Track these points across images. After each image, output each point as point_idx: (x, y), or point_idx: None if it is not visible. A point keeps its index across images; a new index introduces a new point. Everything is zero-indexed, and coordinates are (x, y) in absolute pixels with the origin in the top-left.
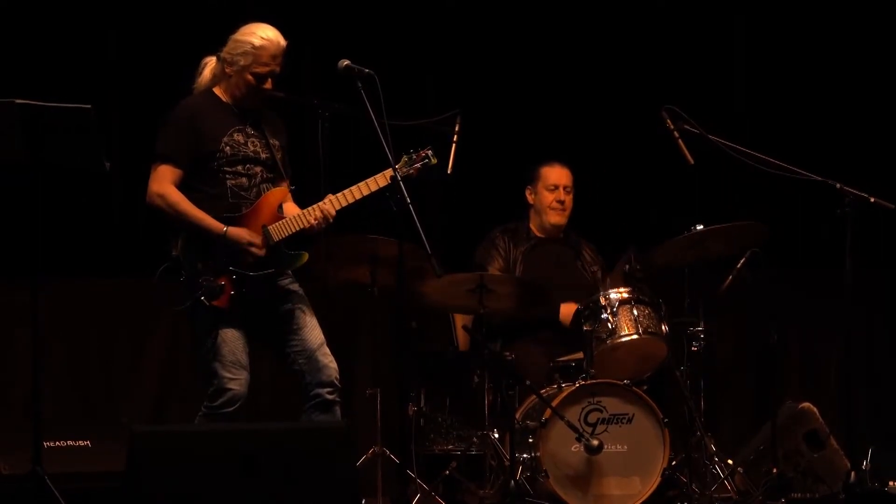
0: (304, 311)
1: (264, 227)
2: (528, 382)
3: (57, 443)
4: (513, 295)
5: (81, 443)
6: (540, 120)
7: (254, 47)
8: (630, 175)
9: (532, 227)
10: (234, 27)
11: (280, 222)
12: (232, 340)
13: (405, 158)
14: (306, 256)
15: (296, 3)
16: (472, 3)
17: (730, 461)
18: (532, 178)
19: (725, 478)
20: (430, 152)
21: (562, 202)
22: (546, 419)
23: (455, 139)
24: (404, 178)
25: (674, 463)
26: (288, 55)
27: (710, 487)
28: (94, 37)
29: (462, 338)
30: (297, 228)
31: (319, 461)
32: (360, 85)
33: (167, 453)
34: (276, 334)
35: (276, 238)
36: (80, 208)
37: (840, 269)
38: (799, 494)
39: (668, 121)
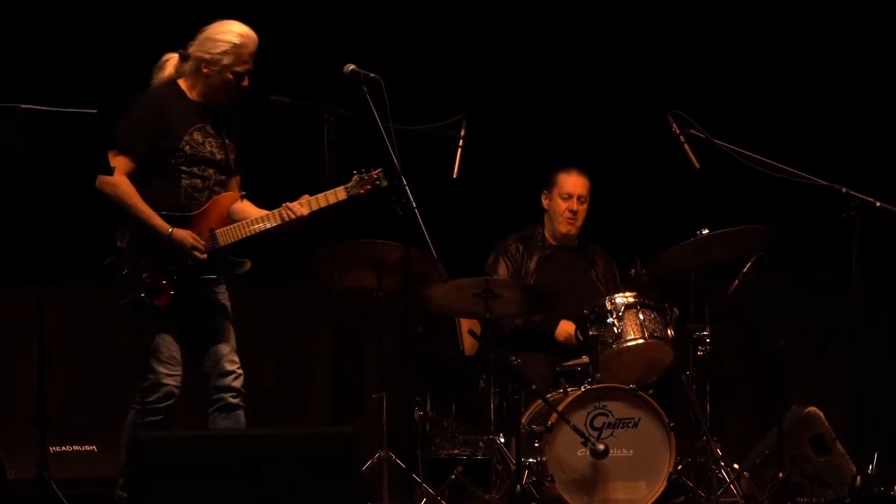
0: (223, 317)
1: (212, 230)
2: (533, 387)
3: (63, 448)
4: (519, 300)
5: (87, 448)
6: (546, 125)
7: (234, 46)
8: (636, 179)
9: (547, 233)
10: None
11: (228, 227)
12: (169, 338)
13: (356, 178)
14: (249, 264)
15: (301, 7)
16: (478, 7)
17: (736, 465)
18: (548, 184)
19: (731, 482)
20: (380, 173)
21: (574, 212)
22: (552, 424)
23: (461, 143)
24: (353, 198)
25: (680, 467)
26: (294, 60)
27: (716, 492)
28: (97, 40)
29: (468, 342)
30: (245, 235)
31: (324, 466)
32: (365, 90)
33: (169, 460)
34: (193, 334)
35: (222, 242)
36: (84, 213)
37: (846, 273)
38: (805, 499)
39: (674, 125)
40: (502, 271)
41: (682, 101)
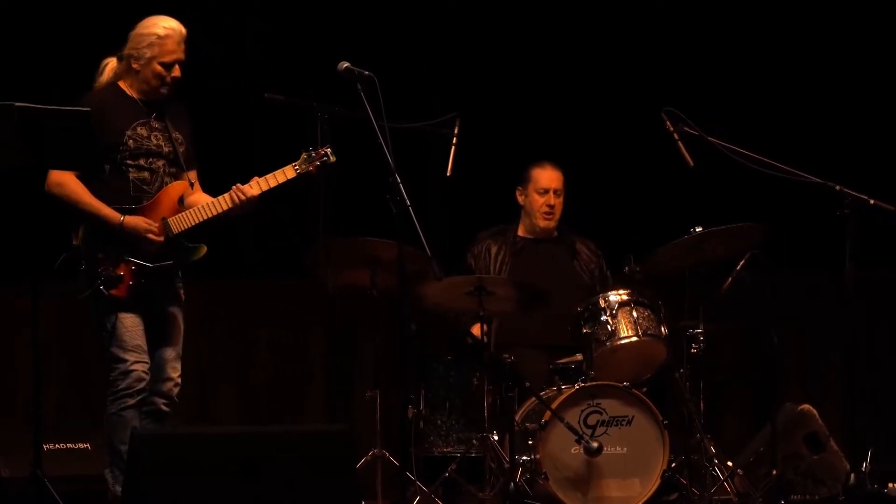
0: (176, 321)
1: (164, 219)
2: (527, 384)
3: (57, 445)
4: (512, 297)
5: (81, 446)
6: (540, 121)
7: (158, 38)
8: (630, 177)
9: (521, 228)
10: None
11: (180, 214)
12: (131, 326)
13: (304, 155)
14: (205, 249)
15: (296, 5)
16: (471, 4)
17: (730, 463)
18: (522, 180)
19: (725, 480)
20: (329, 150)
21: (551, 207)
22: (546, 421)
23: (455, 141)
24: (303, 176)
25: (673, 465)
26: (287, 58)
27: (710, 489)
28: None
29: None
30: (198, 220)
31: (320, 464)
32: (359, 87)
33: (167, 456)
34: (147, 332)
35: (175, 230)
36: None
37: (840, 271)
38: (799, 497)
39: (668, 123)
40: (468, 269)
41: (675, 99)
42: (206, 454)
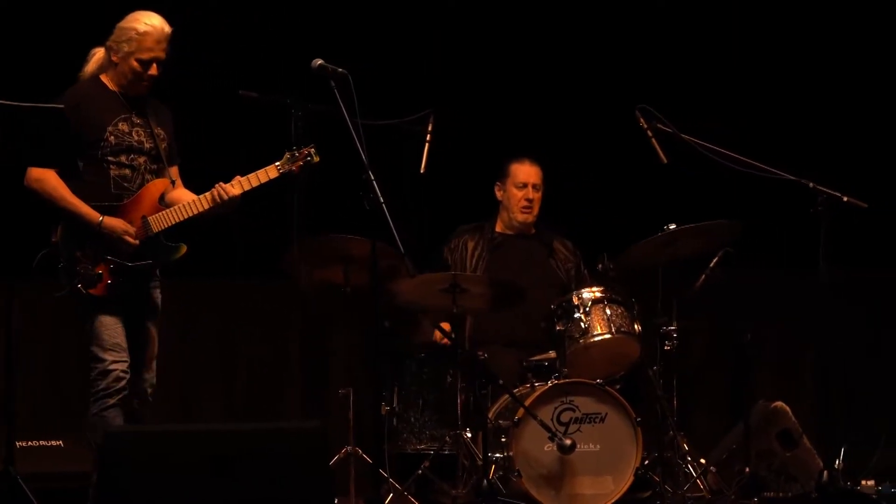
0: (153, 323)
1: (144, 217)
2: (500, 382)
3: (29, 443)
4: (486, 295)
5: (54, 443)
6: (514, 118)
7: (138, 33)
8: (603, 174)
9: (499, 224)
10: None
11: (160, 213)
12: (111, 325)
13: (287, 155)
14: (185, 249)
15: (271, 2)
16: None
17: (703, 460)
18: (501, 175)
19: (698, 477)
20: (312, 150)
21: (530, 201)
22: (519, 418)
23: (428, 138)
24: (286, 176)
25: (646, 462)
26: (262, 55)
27: (683, 487)
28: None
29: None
30: (179, 219)
31: (293, 461)
32: (333, 84)
33: (139, 454)
34: (126, 329)
35: (155, 229)
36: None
37: (814, 269)
38: (772, 493)
39: (642, 119)
40: (444, 264)
41: (649, 96)
42: (179, 451)
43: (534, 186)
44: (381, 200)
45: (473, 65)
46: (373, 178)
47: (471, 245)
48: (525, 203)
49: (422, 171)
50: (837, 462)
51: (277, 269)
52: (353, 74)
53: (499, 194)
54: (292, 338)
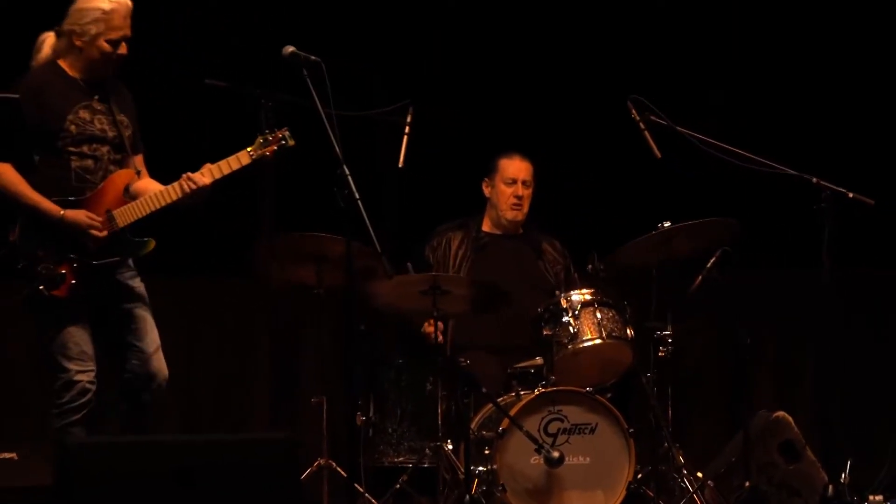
0: (143, 311)
1: (108, 211)
2: (484, 390)
3: None
4: (468, 297)
5: (7, 455)
6: (499, 109)
7: (104, 13)
8: (593, 169)
9: (487, 222)
10: None
11: (126, 206)
12: (77, 331)
13: (259, 140)
14: (153, 243)
15: None
16: None
17: (699, 474)
18: (490, 171)
19: (695, 492)
20: (286, 133)
21: (519, 198)
22: (503, 429)
23: (407, 130)
24: (259, 161)
25: (640, 476)
26: (232, 44)
27: (679, 502)
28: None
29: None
30: (146, 212)
31: (261, 475)
32: (305, 73)
33: (99, 466)
34: (112, 332)
35: (121, 223)
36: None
37: (817, 269)
38: None
39: (634, 111)
40: (426, 263)
41: (642, 89)
42: (140, 463)
43: (524, 183)
44: (357, 197)
45: (457, 53)
46: (348, 172)
47: (455, 244)
48: (514, 200)
49: (400, 166)
50: (843, 476)
51: (244, 267)
52: (328, 63)
53: (486, 191)
54: (260, 343)
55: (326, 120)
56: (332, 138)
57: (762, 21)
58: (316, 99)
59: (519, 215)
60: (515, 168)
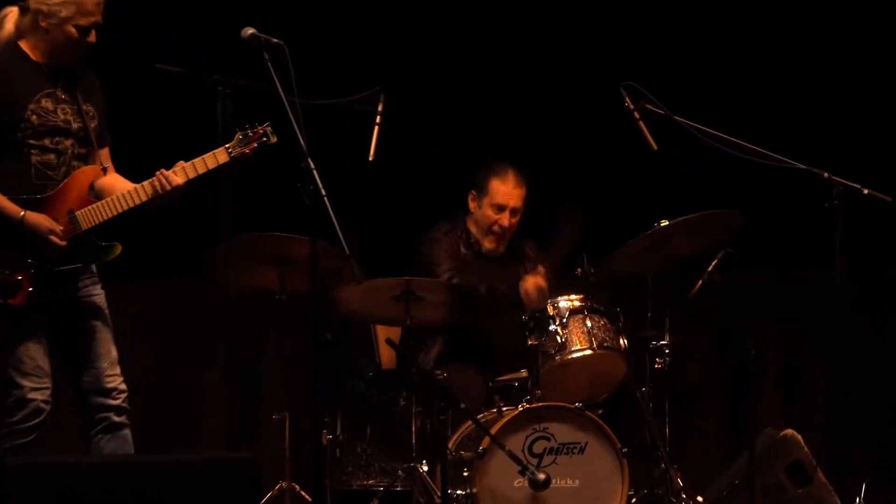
0: (101, 324)
1: (71, 212)
2: (463, 405)
3: None
4: (443, 303)
5: None
6: (477, 95)
7: None
8: (585, 164)
9: (473, 226)
10: None
11: (90, 207)
12: (32, 345)
13: (239, 136)
14: (119, 248)
15: None
16: None
17: (699, 498)
18: (479, 186)
19: None
20: (268, 129)
21: (503, 228)
22: (484, 449)
23: (378, 120)
24: (238, 159)
25: (633, 500)
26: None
27: None
28: None
29: (385, 353)
30: (113, 213)
31: (219, 499)
32: (267, 57)
33: (45, 489)
34: (67, 344)
35: (84, 226)
36: None
37: (828, 271)
38: None
39: (628, 99)
40: (443, 259)
41: (643, 76)
42: (94, 485)
43: (512, 211)
44: (323, 193)
45: (433, 36)
46: (313, 166)
47: (459, 246)
48: (497, 229)
49: (370, 159)
50: (858, 500)
51: (199, 270)
52: (291, 47)
53: (472, 205)
54: (216, 352)
55: (290, 108)
56: (297, 129)
57: (762, 21)
58: (278, 85)
59: (500, 248)
60: (506, 194)
